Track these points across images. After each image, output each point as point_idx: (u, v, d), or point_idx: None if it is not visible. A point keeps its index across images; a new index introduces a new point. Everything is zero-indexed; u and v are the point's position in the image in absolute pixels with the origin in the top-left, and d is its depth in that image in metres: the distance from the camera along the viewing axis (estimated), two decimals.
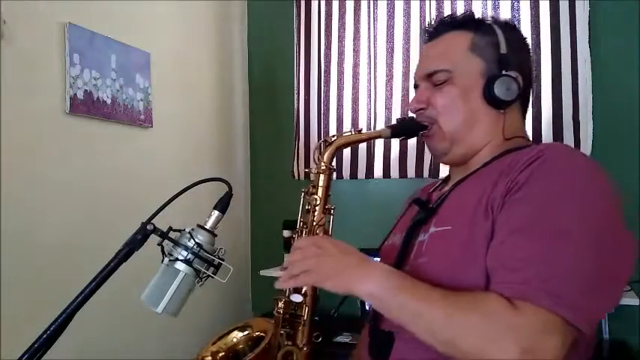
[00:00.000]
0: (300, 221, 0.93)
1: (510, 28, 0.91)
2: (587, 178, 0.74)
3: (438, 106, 0.88)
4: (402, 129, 0.93)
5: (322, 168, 0.91)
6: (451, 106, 0.88)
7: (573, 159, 0.77)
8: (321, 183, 0.91)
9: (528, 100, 0.95)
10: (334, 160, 0.94)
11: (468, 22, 0.91)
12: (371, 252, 2.47)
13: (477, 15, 0.94)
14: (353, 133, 0.92)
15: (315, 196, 0.91)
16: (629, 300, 1.75)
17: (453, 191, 0.88)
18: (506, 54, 0.87)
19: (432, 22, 0.97)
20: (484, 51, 0.88)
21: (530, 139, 0.97)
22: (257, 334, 0.95)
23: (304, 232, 0.91)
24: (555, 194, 0.71)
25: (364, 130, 0.93)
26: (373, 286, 0.74)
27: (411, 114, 0.95)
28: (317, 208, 0.90)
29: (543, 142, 2.06)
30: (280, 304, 0.90)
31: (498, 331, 0.66)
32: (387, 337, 0.83)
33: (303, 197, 0.93)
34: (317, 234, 0.89)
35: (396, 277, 0.75)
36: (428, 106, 0.90)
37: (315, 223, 0.89)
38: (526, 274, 0.67)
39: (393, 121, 2.28)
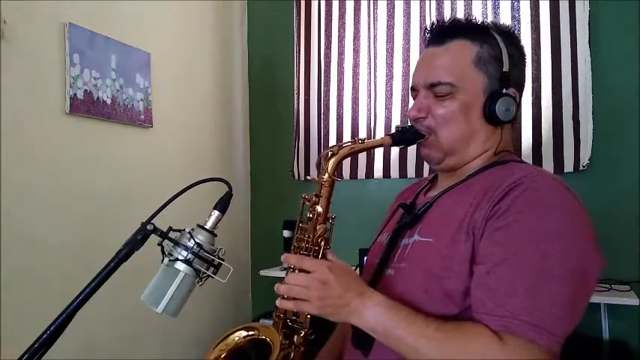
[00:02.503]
0: (299, 227, 0.94)
1: (513, 41, 0.92)
2: (567, 213, 0.78)
3: (438, 118, 0.90)
4: (403, 137, 0.94)
5: (325, 179, 0.91)
6: (451, 120, 0.89)
7: (554, 191, 0.79)
8: (324, 193, 0.92)
9: (519, 114, 0.97)
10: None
11: (474, 32, 0.91)
12: None
13: (483, 22, 0.94)
14: (356, 142, 0.92)
15: (318, 206, 0.92)
16: (629, 300, 1.74)
17: (438, 200, 0.91)
18: (509, 72, 0.89)
19: (437, 23, 0.95)
20: (488, 66, 0.89)
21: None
22: (262, 337, 0.95)
23: (305, 241, 0.92)
24: (539, 231, 0.75)
25: (365, 139, 0.94)
26: (371, 322, 0.78)
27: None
28: (319, 218, 0.92)
29: (543, 142, 2.07)
30: (282, 310, 0.93)
31: None
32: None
33: (303, 203, 0.94)
34: (319, 245, 0.91)
35: (392, 313, 0.78)
36: (427, 115, 0.91)
37: (317, 234, 0.91)
38: (512, 308, 0.72)
39: (393, 124, 2.33)
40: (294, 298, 0.82)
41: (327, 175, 0.91)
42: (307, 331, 0.93)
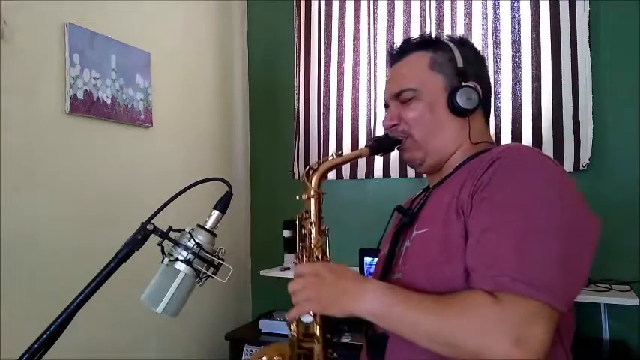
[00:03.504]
0: (300, 245, 0.98)
1: (464, 44, 1.01)
2: (547, 176, 0.81)
3: (409, 120, 0.97)
4: (380, 146, 1.00)
5: (311, 194, 0.96)
6: (420, 119, 0.96)
7: (530, 157, 0.83)
8: (312, 208, 0.96)
9: (490, 106, 1.04)
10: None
11: (426, 43, 1.00)
12: (371, 252, 2.45)
13: (434, 35, 1.05)
14: (335, 157, 0.98)
15: (310, 221, 0.96)
16: (629, 300, 1.74)
17: (430, 195, 0.96)
18: (464, 67, 0.96)
19: (395, 44, 1.06)
20: (443, 67, 0.97)
21: (496, 140, 1.05)
22: (274, 359, 0.97)
23: (304, 255, 0.96)
24: (520, 192, 0.78)
25: (342, 152, 1.00)
26: (370, 305, 0.80)
27: (384, 131, 1.03)
28: (312, 231, 0.95)
29: (544, 142, 2.07)
30: (293, 327, 0.94)
31: (488, 325, 0.71)
32: (381, 339, 0.88)
33: (299, 223, 0.99)
34: (317, 256, 0.94)
35: (389, 292, 0.80)
36: (400, 122, 0.98)
37: (312, 246, 0.94)
38: (502, 267, 0.73)
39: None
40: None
41: (312, 190, 0.95)
42: (327, 350, 0.91)
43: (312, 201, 0.96)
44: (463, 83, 0.95)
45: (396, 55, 1.04)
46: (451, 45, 0.99)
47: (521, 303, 0.71)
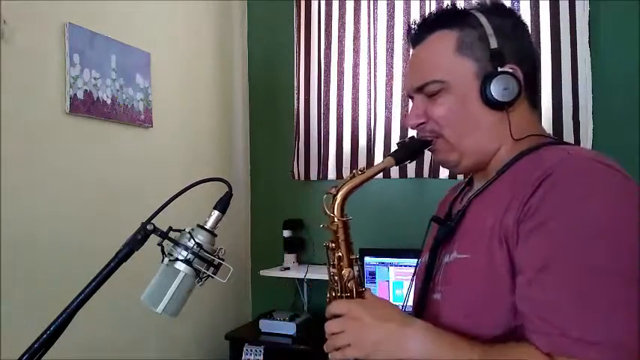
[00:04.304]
0: (331, 273, 0.88)
1: (499, 13, 0.82)
2: (612, 199, 0.66)
3: (437, 119, 0.82)
4: (407, 153, 0.87)
5: (336, 222, 0.86)
6: (451, 117, 0.81)
7: (591, 176, 0.68)
8: (341, 237, 0.86)
9: (536, 89, 0.86)
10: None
11: (451, 19, 0.83)
12: (371, 252, 2.44)
13: (460, 6, 0.86)
14: (356, 174, 0.85)
15: (340, 253, 0.86)
16: None
17: (470, 206, 0.83)
18: (498, 48, 0.79)
19: (414, 25, 0.88)
20: (473, 49, 0.80)
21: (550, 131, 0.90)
22: None
23: (337, 287, 0.87)
24: (580, 224, 0.65)
25: (364, 167, 0.87)
26: (413, 352, 0.72)
27: (411, 131, 0.91)
28: (342, 264, 0.86)
29: None
30: None
31: None
32: None
33: (327, 252, 0.89)
34: (350, 289, 0.85)
35: (435, 339, 0.72)
36: (427, 119, 0.84)
37: (345, 279, 0.85)
38: (559, 323, 0.63)
39: (393, 124, 2.33)
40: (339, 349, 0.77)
41: (336, 219, 0.85)
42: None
43: (340, 230, 0.86)
44: (499, 69, 0.78)
45: (415, 37, 0.86)
46: (481, 18, 0.80)
47: None
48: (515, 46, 0.81)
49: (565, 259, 0.64)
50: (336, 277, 0.86)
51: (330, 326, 0.78)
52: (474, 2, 0.87)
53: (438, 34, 0.83)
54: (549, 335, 0.63)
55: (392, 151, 0.89)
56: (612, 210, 0.65)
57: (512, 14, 0.84)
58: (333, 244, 0.86)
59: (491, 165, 0.83)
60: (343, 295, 0.85)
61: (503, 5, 0.85)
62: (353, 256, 0.86)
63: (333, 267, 0.87)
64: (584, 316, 0.62)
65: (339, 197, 0.85)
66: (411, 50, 0.90)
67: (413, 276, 0.94)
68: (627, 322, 0.61)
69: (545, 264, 0.65)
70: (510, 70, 0.79)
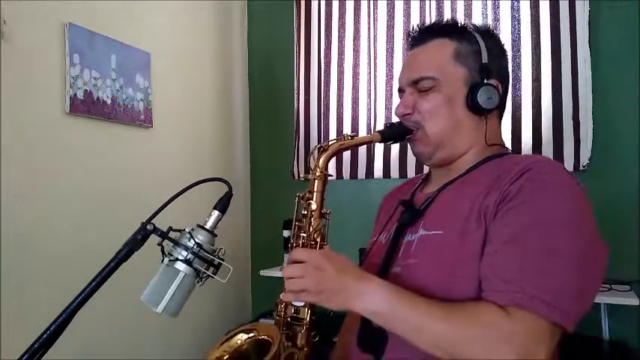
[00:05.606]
0: (296, 225, 0.93)
1: (490, 36, 0.96)
2: (574, 197, 0.80)
3: (424, 112, 0.92)
4: (392, 133, 0.96)
5: (317, 174, 0.92)
6: (436, 112, 0.92)
7: (561, 175, 0.82)
8: (316, 188, 0.93)
9: (505, 106, 1.00)
10: (331, 163, 0.96)
11: (451, 31, 0.95)
12: None
13: (460, 23, 0.98)
14: (345, 138, 0.94)
15: (312, 202, 0.92)
16: (629, 300, 1.74)
17: (440, 194, 0.92)
18: (488, 63, 0.92)
19: (417, 26, 1.00)
20: (467, 60, 0.92)
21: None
22: (262, 337, 0.95)
23: (301, 237, 0.92)
24: (547, 211, 0.77)
25: (354, 135, 0.96)
26: (372, 304, 0.78)
27: (396, 118, 0.99)
28: (314, 213, 0.92)
29: (543, 142, 2.06)
30: (281, 307, 0.93)
31: (496, 340, 0.71)
32: (380, 334, 0.85)
33: (298, 202, 0.95)
34: (315, 240, 0.90)
35: (394, 293, 0.78)
36: (414, 111, 0.94)
37: (312, 229, 0.91)
38: (521, 284, 0.73)
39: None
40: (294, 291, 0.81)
41: (318, 170, 0.92)
42: (310, 332, 0.92)
43: (318, 181, 0.92)
44: (485, 81, 0.91)
45: (417, 39, 0.98)
46: (477, 37, 0.93)
47: (532, 321, 0.71)
48: (499, 66, 0.95)
49: (530, 236, 0.75)
50: (304, 227, 0.91)
51: (289, 271, 0.82)
52: (473, 21, 0.94)
53: (440, 41, 0.95)
54: (508, 292, 0.73)
55: (381, 129, 0.98)
56: (573, 203, 0.79)
57: (499, 40, 0.98)
58: (310, 195, 0.93)
59: (457, 163, 0.94)
60: (308, 243, 0.90)
61: (493, 31, 0.99)
62: (324, 210, 0.93)
63: (304, 217, 0.92)
64: (541, 281, 0.72)
65: (327, 152, 0.92)
66: (410, 51, 1.00)
67: (367, 253, 1.03)
68: (570, 292, 0.73)
69: (513, 238, 0.75)
70: (494, 84, 0.92)
